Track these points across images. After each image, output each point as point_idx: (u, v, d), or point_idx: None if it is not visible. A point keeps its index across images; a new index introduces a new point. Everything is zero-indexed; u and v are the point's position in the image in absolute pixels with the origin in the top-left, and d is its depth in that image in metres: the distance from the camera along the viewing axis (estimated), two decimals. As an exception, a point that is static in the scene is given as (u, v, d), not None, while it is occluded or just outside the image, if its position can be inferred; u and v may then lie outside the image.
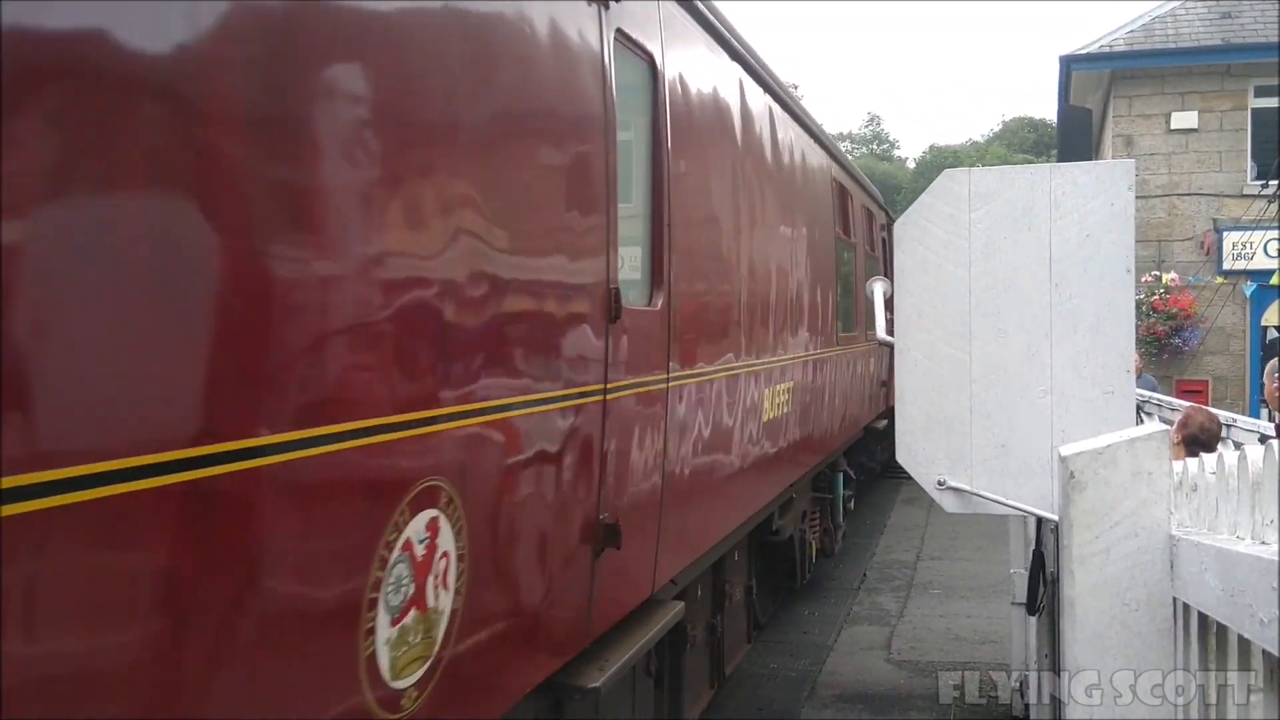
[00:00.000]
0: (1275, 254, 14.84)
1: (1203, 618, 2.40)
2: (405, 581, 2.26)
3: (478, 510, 2.57)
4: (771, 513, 6.45)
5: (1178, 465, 2.74)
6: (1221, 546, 2.22)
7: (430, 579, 2.36)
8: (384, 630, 2.19)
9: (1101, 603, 2.63)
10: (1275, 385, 6.34)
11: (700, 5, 4.61)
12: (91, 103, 1.54)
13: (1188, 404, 7.34)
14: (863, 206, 10.21)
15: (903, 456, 4.28)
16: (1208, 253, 15.58)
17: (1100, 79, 16.87)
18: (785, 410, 6.19)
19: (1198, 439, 5.12)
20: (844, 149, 10.79)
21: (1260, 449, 2.16)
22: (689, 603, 4.63)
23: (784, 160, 6.34)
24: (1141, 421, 6.16)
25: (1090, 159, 15.39)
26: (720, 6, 5.02)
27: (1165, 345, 15.27)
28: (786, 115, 6.52)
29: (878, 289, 5.57)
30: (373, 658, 2.16)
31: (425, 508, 2.33)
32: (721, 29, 4.97)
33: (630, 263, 3.83)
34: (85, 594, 1.53)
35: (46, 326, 1.47)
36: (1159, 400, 9.29)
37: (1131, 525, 2.62)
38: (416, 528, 2.29)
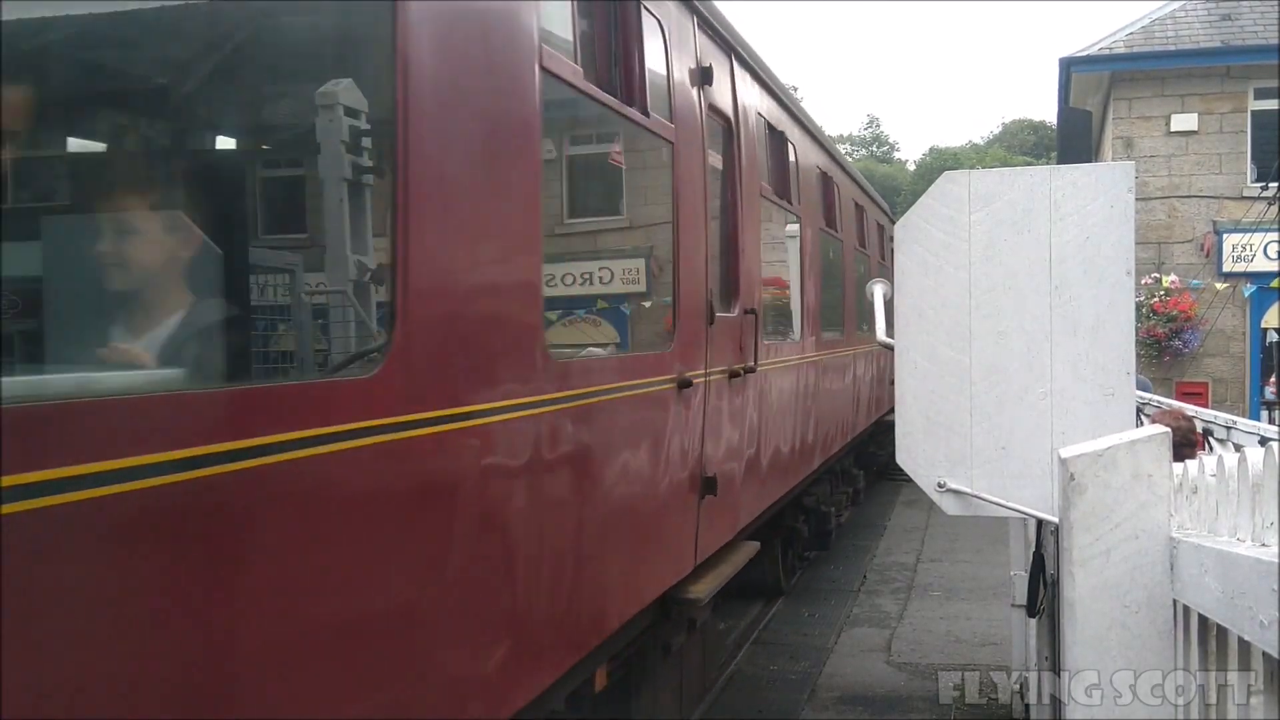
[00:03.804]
0: (1275, 256, 14.86)
1: (1203, 620, 2.39)
2: None
3: None
4: None
5: (1177, 467, 2.74)
6: (1221, 549, 2.22)
7: None
8: None
9: (1102, 605, 2.62)
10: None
11: None
12: None
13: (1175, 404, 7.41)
14: None
15: (902, 458, 4.27)
16: (1207, 255, 15.58)
17: (1100, 81, 16.87)
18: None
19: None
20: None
21: (1260, 451, 2.16)
22: None
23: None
24: (1141, 424, 6.16)
25: (1090, 161, 15.39)
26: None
27: (1165, 347, 15.28)
28: None
29: (878, 290, 5.57)
30: None
31: None
32: None
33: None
34: None
35: None
36: (1158, 402, 9.29)
37: (1132, 527, 2.62)
38: None
